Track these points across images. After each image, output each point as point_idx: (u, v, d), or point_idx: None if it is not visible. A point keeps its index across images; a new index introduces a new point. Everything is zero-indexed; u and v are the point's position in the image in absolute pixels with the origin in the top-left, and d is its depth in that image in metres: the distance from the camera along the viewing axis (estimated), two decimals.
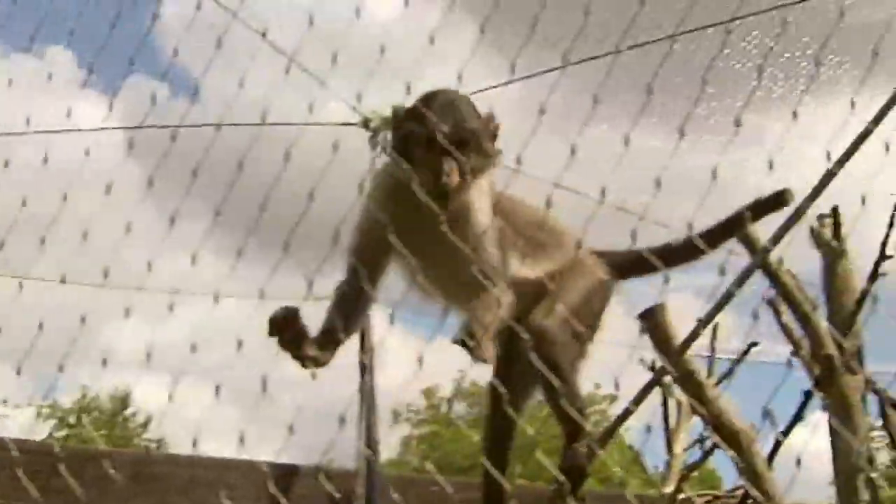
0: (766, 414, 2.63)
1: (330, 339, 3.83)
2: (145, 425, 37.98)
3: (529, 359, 3.46)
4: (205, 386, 3.32)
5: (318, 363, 3.74)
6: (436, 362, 4.18)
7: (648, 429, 2.99)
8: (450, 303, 3.99)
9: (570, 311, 4.13)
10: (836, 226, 6.83)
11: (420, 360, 2.90)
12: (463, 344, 3.62)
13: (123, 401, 37.74)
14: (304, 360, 3.73)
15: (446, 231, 3.39)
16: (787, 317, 7.13)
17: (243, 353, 3.32)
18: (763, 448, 5.37)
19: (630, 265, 4.51)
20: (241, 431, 3.14)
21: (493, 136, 4.00)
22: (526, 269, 4.12)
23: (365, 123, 12.30)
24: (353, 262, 4.01)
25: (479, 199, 4.02)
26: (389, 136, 4.11)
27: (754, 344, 9.03)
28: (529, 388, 4.28)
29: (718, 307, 3.69)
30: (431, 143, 3.78)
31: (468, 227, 3.92)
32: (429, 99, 3.89)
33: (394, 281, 4.10)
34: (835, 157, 3.21)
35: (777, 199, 4.42)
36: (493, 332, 3.72)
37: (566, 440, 4.15)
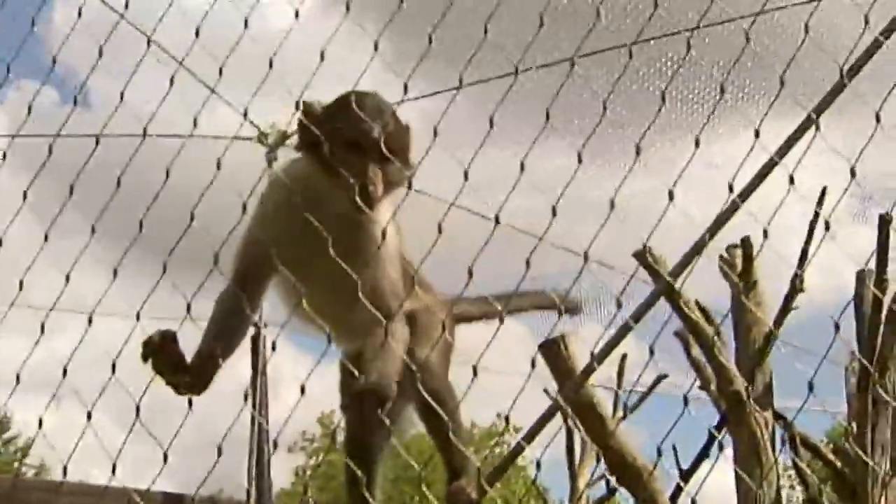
0: (661, 453, 2.60)
1: (207, 363, 3.64)
2: (27, 450, 37.34)
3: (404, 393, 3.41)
4: (93, 409, 3.25)
5: (195, 390, 3.62)
6: (331, 388, 4.13)
7: (538, 465, 2.92)
8: (340, 333, 3.80)
9: (446, 348, 4.11)
10: (747, 258, 6.90)
11: (302, 388, 2.84)
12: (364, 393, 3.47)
13: (2, 424, 37.10)
14: (178, 388, 3.63)
15: (352, 243, 3.29)
16: (698, 350, 7.20)
17: (138, 375, 3.27)
18: (669, 485, 5.40)
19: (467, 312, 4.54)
20: (114, 459, 3.08)
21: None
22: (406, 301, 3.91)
23: (261, 138, 12.05)
24: (239, 275, 3.80)
25: (390, 216, 3.69)
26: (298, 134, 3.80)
27: (663, 376, 9.13)
28: (394, 425, 3.98)
29: (616, 340, 3.66)
30: (359, 147, 3.57)
31: (374, 244, 3.66)
32: (356, 99, 3.61)
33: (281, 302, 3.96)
34: (739, 188, 3.23)
35: (563, 309, 4.56)
36: (394, 372, 3.53)
37: (451, 475, 4.10)
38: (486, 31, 2.93)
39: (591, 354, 3.51)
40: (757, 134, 2.68)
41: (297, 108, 3.61)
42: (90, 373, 3.35)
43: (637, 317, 3.49)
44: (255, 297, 3.86)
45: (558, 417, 3.95)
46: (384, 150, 3.48)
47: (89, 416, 3.18)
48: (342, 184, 3.49)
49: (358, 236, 3.63)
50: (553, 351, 4.50)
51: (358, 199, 3.47)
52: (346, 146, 3.57)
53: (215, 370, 3.63)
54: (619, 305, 2.91)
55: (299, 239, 3.51)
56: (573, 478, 10.30)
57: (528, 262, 2.75)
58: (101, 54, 3.44)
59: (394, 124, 3.66)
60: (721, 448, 5.97)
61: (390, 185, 3.66)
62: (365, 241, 3.64)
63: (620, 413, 9.02)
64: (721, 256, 7.03)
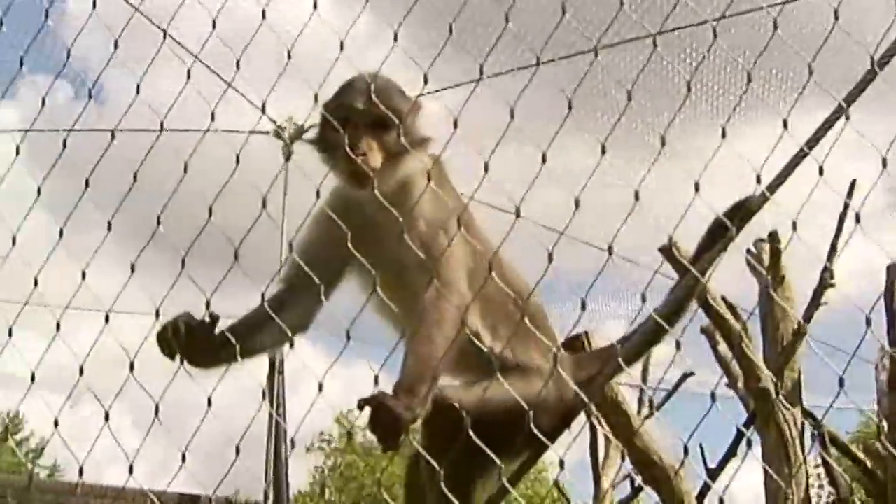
0: (687, 451, 2.58)
1: (221, 350, 3.52)
2: (41, 451, 37.38)
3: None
4: (111, 409, 3.25)
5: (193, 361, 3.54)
6: (349, 387, 4.11)
7: (562, 464, 2.87)
8: (399, 319, 3.62)
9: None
10: (774, 252, 6.87)
11: (320, 385, 2.82)
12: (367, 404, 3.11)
13: (14, 424, 37.12)
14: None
15: (387, 221, 3.25)
16: (725, 347, 7.18)
17: (157, 374, 3.27)
18: (696, 485, 5.39)
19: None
20: (131, 460, 3.09)
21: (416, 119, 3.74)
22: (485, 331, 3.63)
23: (278, 132, 12.04)
24: (287, 278, 3.75)
25: (419, 183, 3.58)
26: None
27: (689, 374, 9.10)
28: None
29: (646, 340, 3.59)
30: (347, 122, 3.58)
31: (408, 210, 3.52)
32: (348, 82, 3.68)
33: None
34: (767, 179, 3.18)
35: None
36: (432, 377, 3.22)
37: None
38: (507, 20, 2.93)
39: (614, 346, 3.47)
40: (785, 124, 2.67)
41: (315, 100, 3.59)
42: (108, 372, 3.35)
43: (667, 317, 3.42)
44: (307, 300, 3.79)
45: (581, 416, 3.89)
46: (376, 121, 3.52)
47: (107, 416, 3.18)
48: (342, 164, 3.54)
49: (372, 215, 3.56)
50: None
51: (348, 175, 3.54)
52: (339, 127, 3.57)
53: (227, 357, 3.51)
54: (644, 300, 2.88)
55: (352, 235, 3.44)
56: (597, 478, 10.28)
57: (550, 256, 2.73)
58: (115, 47, 3.45)
59: (388, 94, 3.60)
60: (749, 446, 5.94)
61: (391, 155, 3.62)
62: (382, 218, 3.54)
63: (646, 411, 9.00)
64: (748, 251, 7.01)
